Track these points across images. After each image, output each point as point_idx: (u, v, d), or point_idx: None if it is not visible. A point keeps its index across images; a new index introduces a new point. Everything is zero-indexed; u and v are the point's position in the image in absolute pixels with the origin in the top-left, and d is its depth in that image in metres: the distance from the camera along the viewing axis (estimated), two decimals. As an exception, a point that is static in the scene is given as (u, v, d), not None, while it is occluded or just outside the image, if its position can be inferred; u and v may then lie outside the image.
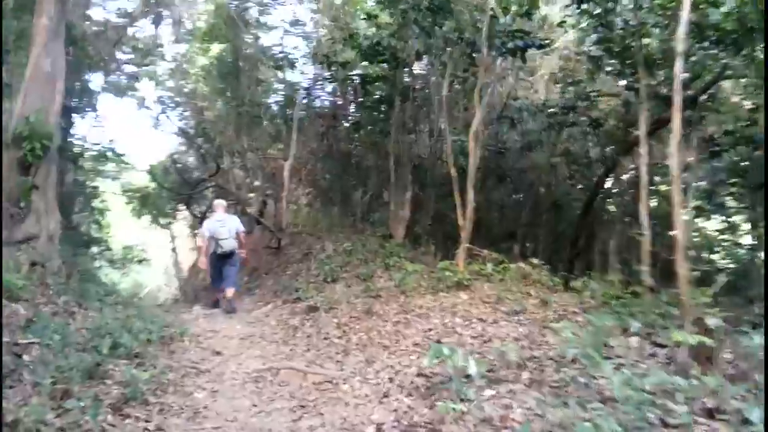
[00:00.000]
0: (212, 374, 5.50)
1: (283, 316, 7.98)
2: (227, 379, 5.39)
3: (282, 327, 7.47)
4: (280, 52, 13.80)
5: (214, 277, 9.59)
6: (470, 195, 8.63)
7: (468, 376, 4.41)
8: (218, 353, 6.28)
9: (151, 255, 20.36)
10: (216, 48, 15.22)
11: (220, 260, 9.27)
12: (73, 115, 14.99)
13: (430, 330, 6.23)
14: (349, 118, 13.92)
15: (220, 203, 10.02)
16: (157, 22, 16.53)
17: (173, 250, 19.80)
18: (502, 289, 7.38)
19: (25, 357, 4.81)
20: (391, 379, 5.03)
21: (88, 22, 14.56)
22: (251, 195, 15.11)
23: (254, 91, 13.97)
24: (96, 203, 17.53)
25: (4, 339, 4.97)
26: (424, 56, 10.70)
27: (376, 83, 11.70)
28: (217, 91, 15.25)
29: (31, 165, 7.60)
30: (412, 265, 8.62)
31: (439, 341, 5.71)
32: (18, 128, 7.48)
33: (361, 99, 12.62)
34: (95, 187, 17.74)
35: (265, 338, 7.01)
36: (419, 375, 4.97)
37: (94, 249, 17.01)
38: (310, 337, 6.83)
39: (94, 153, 16.78)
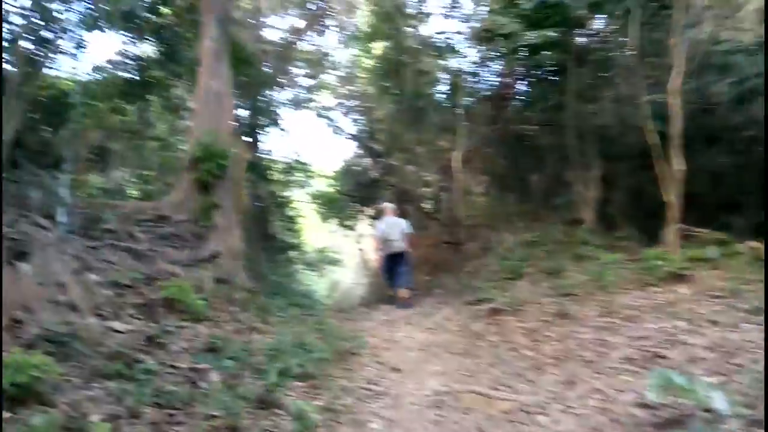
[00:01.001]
0: (389, 397, 5.00)
1: (465, 320, 7.30)
2: (405, 404, 4.84)
3: (464, 334, 6.79)
4: (441, 40, 13.15)
5: (387, 277, 9.82)
6: (676, 164, 7.16)
7: (712, 411, 3.28)
8: (396, 369, 5.80)
9: (343, 256, 21.21)
10: (378, 47, 15.11)
11: (391, 260, 9.49)
12: (259, 131, 16.00)
13: (644, 338, 5.04)
14: (519, 96, 12.80)
15: (388, 206, 10.27)
16: (322, 32, 17.04)
17: (360, 250, 20.30)
18: (735, 279, 5.87)
19: (202, 384, 4.75)
20: (601, 410, 4.02)
21: (261, 43, 15.40)
22: (425, 189, 14.74)
23: (418, 83, 13.52)
24: (288, 211, 18.58)
25: (183, 365, 5.02)
26: (601, 8, 9.23)
27: (546, 51, 10.44)
28: (382, 89, 15.12)
29: (210, 184, 7.91)
30: (609, 255, 7.41)
31: (658, 355, 4.56)
32: (193, 150, 7.83)
33: (531, 72, 11.44)
34: (286, 197, 18.80)
35: (446, 348, 6.38)
36: (640, 405, 3.88)
37: (291, 254, 18.07)
38: (495, 347, 6.05)
39: (282, 165, 17.88)
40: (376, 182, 16.69)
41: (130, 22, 12.41)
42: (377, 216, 10.66)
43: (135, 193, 14.30)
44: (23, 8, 11.84)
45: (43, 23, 14.01)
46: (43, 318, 4.82)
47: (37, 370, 3.73)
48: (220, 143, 7.94)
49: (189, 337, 5.67)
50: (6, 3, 11.72)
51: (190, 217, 7.82)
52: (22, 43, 12.74)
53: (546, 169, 11.69)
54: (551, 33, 9.27)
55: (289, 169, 18.32)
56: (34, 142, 11.02)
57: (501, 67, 12.73)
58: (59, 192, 6.04)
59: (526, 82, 12.26)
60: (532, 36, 9.40)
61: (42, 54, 14.84)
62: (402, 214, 10.67)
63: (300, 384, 5.02)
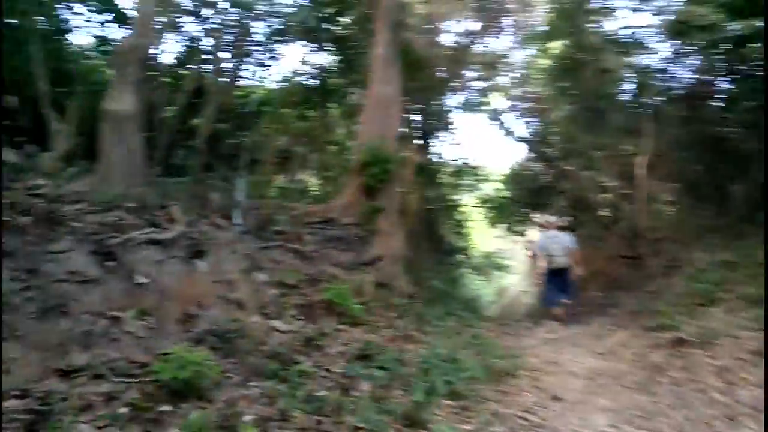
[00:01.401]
0: (547, 431, 4.55)
1: (642, 348, 6.47)
2: (565, 442, 4.36)
3: (640, 365, 6.00)
4: (627, 35, 12.00)
5: (547, 293, 9.23)
6: None
7: None
8: (558, 399, 5.28)
9: (511, 261, 20.55)
10: (556, 46, 14.30)
11: (553, 276, 8.89)
12: (430, 135, 16.08)
13: None
14: (719, 94, 11.18)
15: (551, 219, 9.78)
16: (498, 33, 16.60)
17: (528, 257, 19.51)
18: None
19: (353, 392, 4.72)
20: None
21: (434, 48, 15.41)
22: (602, 197, 13.60)
23: (599, 83, 12.49)
24: (457, 215, 18.44)
25: (337, 369, 5.04)
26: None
27: (752, 44, 8.94)
28: (559, 90, 14.27)
29: (376, 189, 8.00)
30: (833, 284, 6.06)
31: None
32: (360, 155, 7.98)
33: (733, 67, 9.89)
34: (455, 200, 18.67)
35: (617, 380, 5.68)
36: None
37: (458, 257, 17.90)
38: (677, 385, 5.23)
39: (452, 169, 17.82)
40: (548, 188, 15.85)
41: (311, 34, 13.18)
42: (541, 228, 10.03)
43: (315, 194, 15.15)
44: (224, 25, 13.20)
45: (242, 38, 15.56)
46: (213, 314, 5.17)
47: (199, 366, 3.94)
48: (386, 148, 8.00)
49: (345, 341, 5.72)
50: (205, 20, 13.14)
51: (355, 220, 7.99)
52: (221, 55, 14.24)
53: (749, 177, 10.05)
54: (758, 23, 7.91)
55: (459, 172, 18.18)
56: (225, 147, 12.18)
57: (698, 63, 11.26)
58: (236, 195, 6.49)
59: (728, 79, 10.67)
60: (735, 26, 8.11)
61: (238, 66, 16.42)
62: (573, 224, 9.91)
63: (449, 403, 4.77)
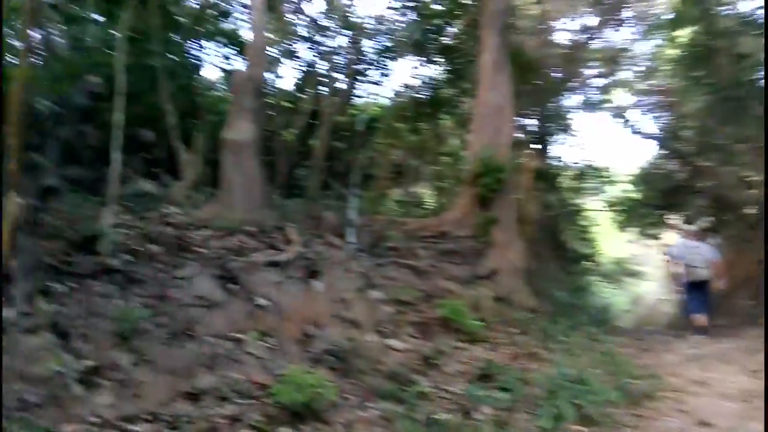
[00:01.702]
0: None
1: (807, 365, 5.64)
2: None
3: (804, 384, 5.23)
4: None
5: (688, 304, 8.43)
6: None
7: None
8: (705, 424, 4.71)
9: (645, 267, 19.16)
10: (685, 33, 13.15)
11: (693, 288, 8.15)
12: (548, 138, 15.48)
13: None
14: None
15: (691, 229, 9.43)
16: (617, 26, 15.65)
17: (666, 262, 18.02)
18: None
19: (475, 416, 4.53)
20: None
21: (548, 48, 14.83)
22: (748, 194, 12.21)
23: (737, 70, 11.28)
24: (581, 220, 17.53)
25: (457, 390, 4.87)
26: None
27: None
28: (690, 80, 13.08)
29: (489, 199, 7.75)
30: None
31: None
32: (472, 165, 7.77)
33: None
34: (579, 204, 17.77)
35: (776, 402, 4.98)
36: None
37: (584, 265, 16.98)
38: None
39: (574, 172, 17.01)
40: (683, 187, 14.55)
41: (420, 48, 13.20)
42: (681, 234, 9.21)
43: (429, 207, 15.10)
44: (337, 47, 13.61)
45: (355, 58, 15.98)
46: (330, 333, 5.22)
47: (316, 388, 3.95)
48: (498, 156, 7.73)
49: (464, 360, 5.54)
50: (319, 45, 13.62)
51: (470, 232, 7.78)
52: (336, 76, 14.71)
53: None
54: None
55: (582, 175, 17.26)
56: (340, 165, 12.49)
57: None
58: (349, 213, 6.56)
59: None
60: None
61: (352, 85, 16.87)
62: (714, 225, 8.99)
63: (580, 429, 4.42)
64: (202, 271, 4.90)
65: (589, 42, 15.91)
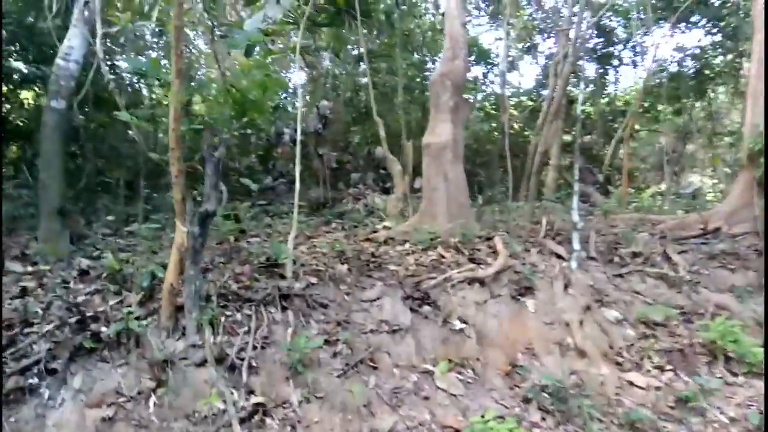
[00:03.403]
0: None
1: None
2: None
3: None
4: None
5: None
6: None
7: None
8: None
9: None
10: None
11: None
12: None
13: None
14: None
15: None
16: None
17: None
18: None
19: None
20: None
21: None
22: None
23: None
24: None
25: None
26: None
27: None
28: None
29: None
30: None
31: None
32: (749, 143, 5.92)
33: None
34: None
35: None
36: None
37: None
38: None
39: None
40: None
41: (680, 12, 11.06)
42: None
43: (705, 199, 12.57)
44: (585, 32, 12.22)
45: (602, 41, 14.33)
46: (546, 365, 4.24)
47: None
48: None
49: (739, 401, 4.05)
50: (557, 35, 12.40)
51: (749, 228, 5.94)
52: (585, 64, 13.30)
53: None
54: None
55: None
56: (585, 160, 11.10)
57: None
58: (574, 214, 5.44)
59: None
60: None
61: (603, 72, 15.13)
62: None
63: None
64: (390, 292, 4.38)
65: None
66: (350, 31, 10.17)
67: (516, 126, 14.93)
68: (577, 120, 6.40)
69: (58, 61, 5.71)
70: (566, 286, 4.85)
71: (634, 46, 14.14)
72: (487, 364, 4.18)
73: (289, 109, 11.70)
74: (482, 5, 14.87)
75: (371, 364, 3.84)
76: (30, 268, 4.73)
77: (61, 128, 5.66)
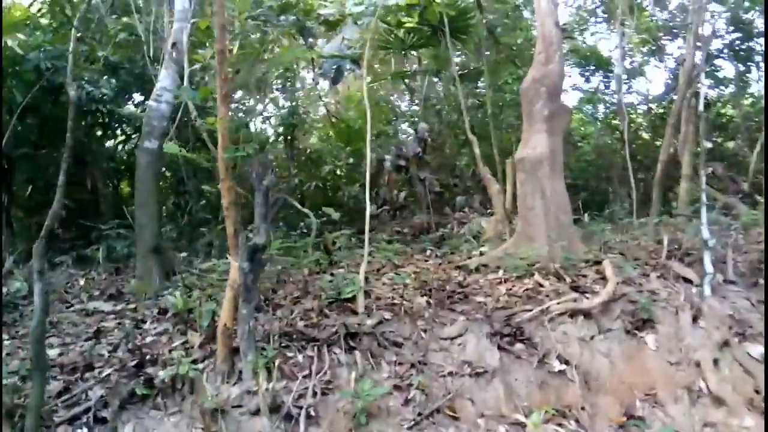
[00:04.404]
0: None
1: None
2: None
3: None
4: None
5: None
6: None
7: None
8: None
9: None
10: None
11: None
12: None
13: None
14: None
15: None
16: None
17: None
18: None
19: None
20: None
21: None
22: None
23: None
24: None
25: None
26: None
27: None
28: None
29: None
30: None
31: None
32: None
33: None
34: None
35: None
36: None
37: None
38: None
39: None
40: None
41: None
42: None
43: None
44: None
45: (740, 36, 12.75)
46: (672, 413, 3.45)
47: None
48: None
49: None
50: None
51: None
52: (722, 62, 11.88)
53: None
54: None
55: None
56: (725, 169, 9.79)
57: None
58: (704, 230, 4.54)
59: None
60: None
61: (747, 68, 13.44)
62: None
63: None
64: (475, 328, 3.82)
65: None
66: (446, 51, 9.85)
67: (646, 136, 13.66)
68: (701, 120, 5.45)
69: (150, 102, 5.89)
70: (696, 317, 3.99)
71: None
72: (596, 413, 3.47)
73: (392, 135, 11.54)
74: (598, 11, 13.93)
75: (450, 413, 3.31)
76: (118, 307, 4.78)
77: (153, 168, 5.81)
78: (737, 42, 12.60)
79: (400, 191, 10.48)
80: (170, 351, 3.52)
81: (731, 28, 12.31)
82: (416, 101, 12.15)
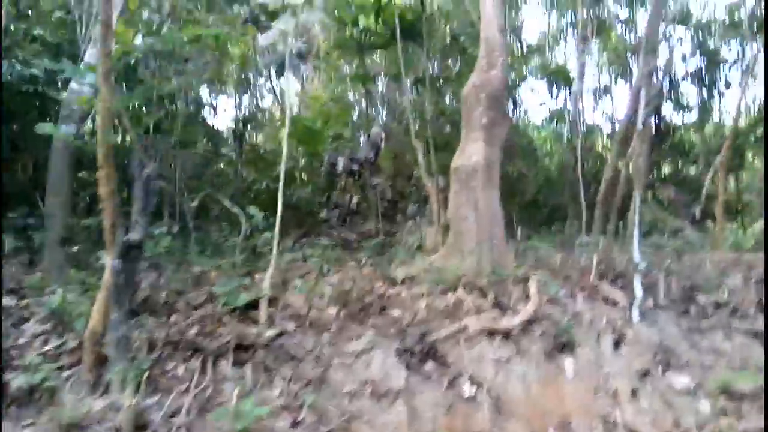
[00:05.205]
0: None
1: None
2: None
3: None
4: None
5: None
6: None
7: None
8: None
9: None
10: None
11: None
12: None
13: None
14: None
15: None
16: None
17: None
18: None
19: None
20: None
21: None
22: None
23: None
24: None
25: None
26: None
27: None
28: None
29: None
30: None
31: None
32: None
33: None
34: None
35: None
36: None
37: None
38: None
39: None
40: None
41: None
42: None
43: None
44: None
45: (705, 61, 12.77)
46: (584, 447, 3.24)
47: None
48: None
49: None
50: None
51: None
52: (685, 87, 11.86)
53: None
54: None
55: None
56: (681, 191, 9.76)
57: None
58: (635, 252, 4.37)
59: None
60: None
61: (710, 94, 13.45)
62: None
63: None
64: (382, 344, 3.55)
65: None
66: (411, 56, 9.64)
67: (607, 156, 13.72)
68: (641, 141, 5.31)
69: (72, 84, 5.50)
70: (618, 342, 3.80)
71: (743, 67, 12.45)
72: (506, 442, 3.24)
73: (349, 139, 11.27)
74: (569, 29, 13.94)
75: (343, 438, 3.03)
76: (12, 303, 4.38)
77: (68, 155, 5.40)
78: (701, 68, 12.68)
79: (353, 196, 10.22)
80: (40, 355, 3.16)
81: (697, 52, 12.39)
82: (375, 105, 11.90)
